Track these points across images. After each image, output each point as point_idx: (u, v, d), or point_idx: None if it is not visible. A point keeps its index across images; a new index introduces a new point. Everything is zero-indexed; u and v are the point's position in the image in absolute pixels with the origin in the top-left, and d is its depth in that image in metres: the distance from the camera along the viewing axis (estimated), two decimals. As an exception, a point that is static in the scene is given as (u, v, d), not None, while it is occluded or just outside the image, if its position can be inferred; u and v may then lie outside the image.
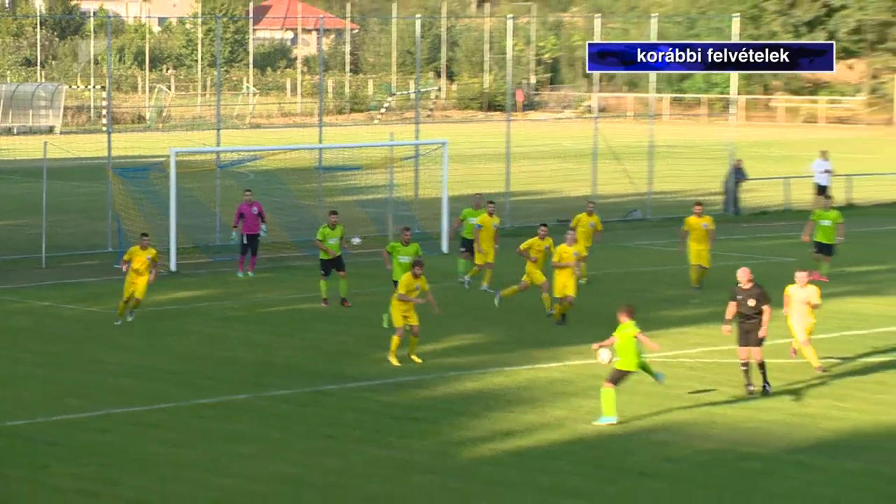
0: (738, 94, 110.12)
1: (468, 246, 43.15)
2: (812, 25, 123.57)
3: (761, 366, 30.56)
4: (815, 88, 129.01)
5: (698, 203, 44.15)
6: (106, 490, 24.35)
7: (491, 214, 42.85)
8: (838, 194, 63.31)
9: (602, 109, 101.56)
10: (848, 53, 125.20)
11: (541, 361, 33.64)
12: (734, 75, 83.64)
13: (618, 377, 28.16)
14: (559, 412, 29.30)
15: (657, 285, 43.89)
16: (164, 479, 24.98)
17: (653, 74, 73.53)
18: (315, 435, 27.67)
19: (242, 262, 45.18)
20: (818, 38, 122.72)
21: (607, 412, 28.03)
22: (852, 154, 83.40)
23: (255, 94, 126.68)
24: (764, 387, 30.56)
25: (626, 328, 28.23)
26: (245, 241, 44.99)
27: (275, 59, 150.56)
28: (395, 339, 32.87)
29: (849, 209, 62.35)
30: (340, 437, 27.46)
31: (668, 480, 25.13)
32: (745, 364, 30.68)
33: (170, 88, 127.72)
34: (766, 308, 30.44)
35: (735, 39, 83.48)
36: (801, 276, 32.55)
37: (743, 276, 30.78)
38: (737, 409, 29.67)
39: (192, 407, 29.79)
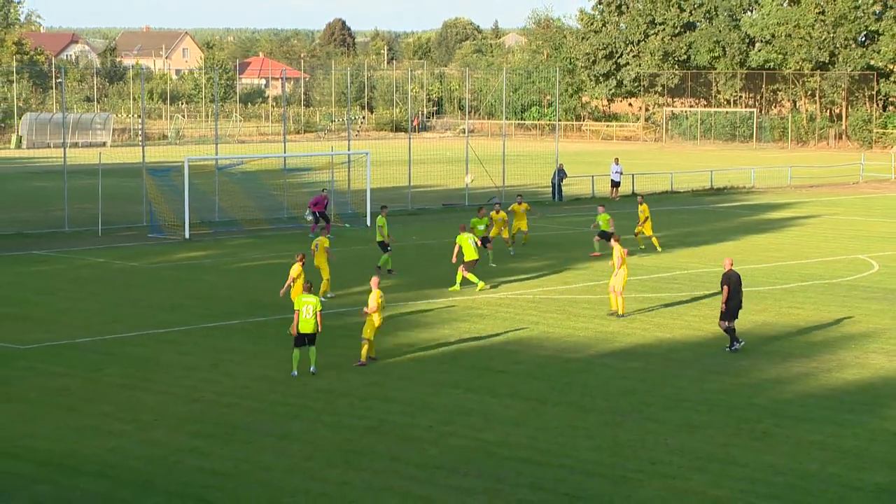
0: (560, 121, 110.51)
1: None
2: (607, 76, 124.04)
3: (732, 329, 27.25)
4: (610, 117, 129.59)
5: (519, 195, 44.77)
6: (142, 385, 24.04)
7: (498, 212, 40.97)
8: (626, 187, 63.48)
9: (471, 131, 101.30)
10: (630, 94, 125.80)
11: (431, 298, 33.41)
12: (557, 108, 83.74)
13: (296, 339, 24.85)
14: (445, 332, 29.10)
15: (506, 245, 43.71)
16: (181, 377, 24.69)
17: (504, 106, 73.42)
18: (283, 347, 27.29)
19: (315, 228, 44.73)
20: (610, 84, 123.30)
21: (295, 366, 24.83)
22: (635, 160, 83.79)
23: (240, 121, 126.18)
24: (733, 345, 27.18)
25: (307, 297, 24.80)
26: (318, 217, 45.34)
27: (254, 97, 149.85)
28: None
29: (633, 196, 62.62)
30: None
31: (517, 375, 25.01)
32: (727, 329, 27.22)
33: (184, 116, 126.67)
34: (724, 288, 26.98)
35: (558, 86, 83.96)
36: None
37: (727, 262, 27.59)
38: (562, 329, 29.58)
39: (199, 329, 29.36)
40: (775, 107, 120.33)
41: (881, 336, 28.91)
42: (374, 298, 25.66)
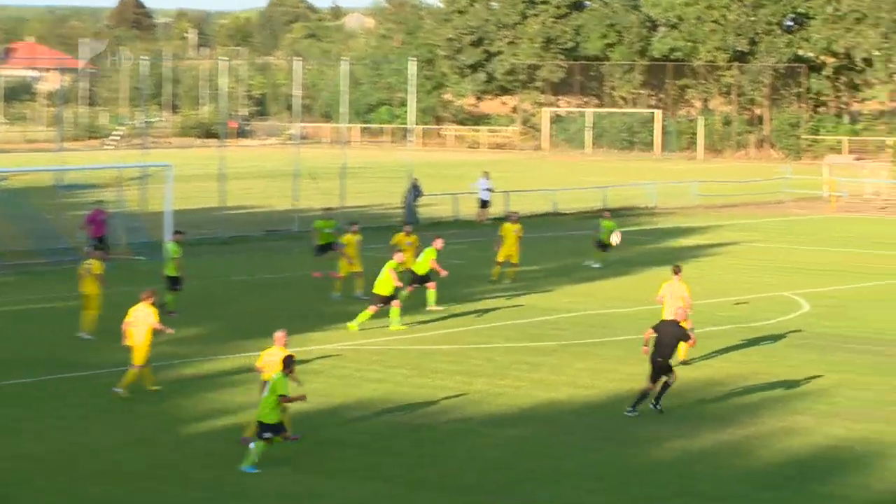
0: (416, 124, 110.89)
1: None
2: (475, 68, 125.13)
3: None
4: (478, 119, 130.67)
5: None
6: None
7: (355, 234, 41.61)
8: (498, 208, 63.88)
9: (303, 137, 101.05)
10: (503, 91, 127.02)
11: (246, 351, 33.01)
12: (412, 108, 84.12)
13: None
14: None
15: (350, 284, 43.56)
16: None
17: (345, 106, 73.34)
18: (53, 416, 26.68)
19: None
20: (479, 78, 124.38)
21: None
22: (508, 174, 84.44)
23: (3, 123, 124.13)
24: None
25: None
26: (98, 242, 44.80)
27: (20, 93, 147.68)
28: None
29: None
30: (70, 417, 26.55)
31: (356, 448, 24.75)
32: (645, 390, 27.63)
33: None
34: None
35: (413, 80, 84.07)
36: None
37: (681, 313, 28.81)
38: (414, 388, 29.47)
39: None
40: (683, 107, 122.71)
41: (812, 394, 29.41)
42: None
